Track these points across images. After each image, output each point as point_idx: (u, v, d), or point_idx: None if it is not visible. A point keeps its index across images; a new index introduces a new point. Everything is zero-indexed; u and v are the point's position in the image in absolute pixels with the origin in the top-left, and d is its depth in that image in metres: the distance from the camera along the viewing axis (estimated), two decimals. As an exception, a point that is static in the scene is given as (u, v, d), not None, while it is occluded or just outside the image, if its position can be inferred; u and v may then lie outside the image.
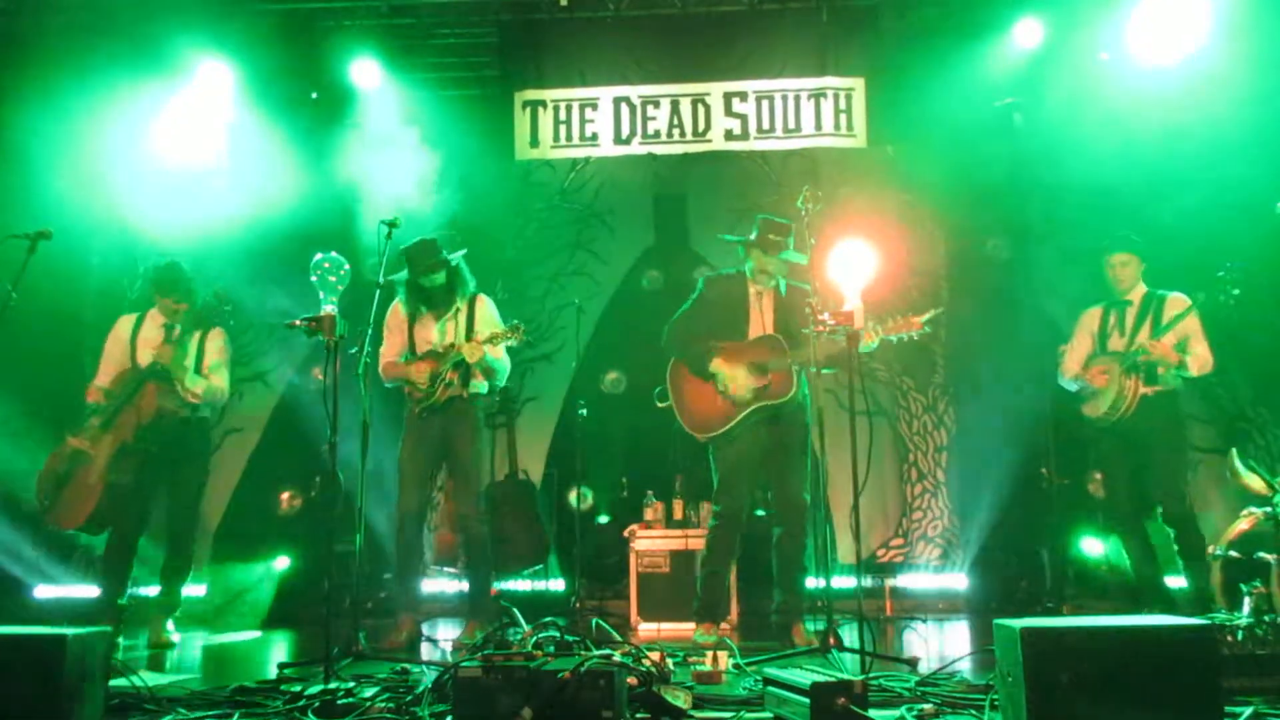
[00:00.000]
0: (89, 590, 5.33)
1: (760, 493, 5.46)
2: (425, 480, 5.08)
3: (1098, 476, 6.40)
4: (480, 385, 5.05)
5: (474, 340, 4.83)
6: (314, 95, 7.08)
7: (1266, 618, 3.46)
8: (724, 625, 5.12)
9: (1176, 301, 5.10)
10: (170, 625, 5.22)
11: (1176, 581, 5.18)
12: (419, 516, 5.08)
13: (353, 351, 4.43)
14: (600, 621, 4.37)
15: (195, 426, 5.28)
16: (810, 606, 4.84)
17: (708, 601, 4.94)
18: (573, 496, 6.54)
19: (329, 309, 4.10)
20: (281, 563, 6.47)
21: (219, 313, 5.36)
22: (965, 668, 3.84)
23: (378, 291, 4.52)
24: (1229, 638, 3.32)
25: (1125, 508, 5.20)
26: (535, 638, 3.28)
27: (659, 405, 4.98)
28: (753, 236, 4.85)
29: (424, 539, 5.30)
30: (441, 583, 6.60)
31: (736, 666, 3.83)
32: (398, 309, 5.10)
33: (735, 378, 4.74)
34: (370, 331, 4.44)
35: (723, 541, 4.91)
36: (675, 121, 7.10)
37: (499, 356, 4.99)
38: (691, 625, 4.98)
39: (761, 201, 6.99)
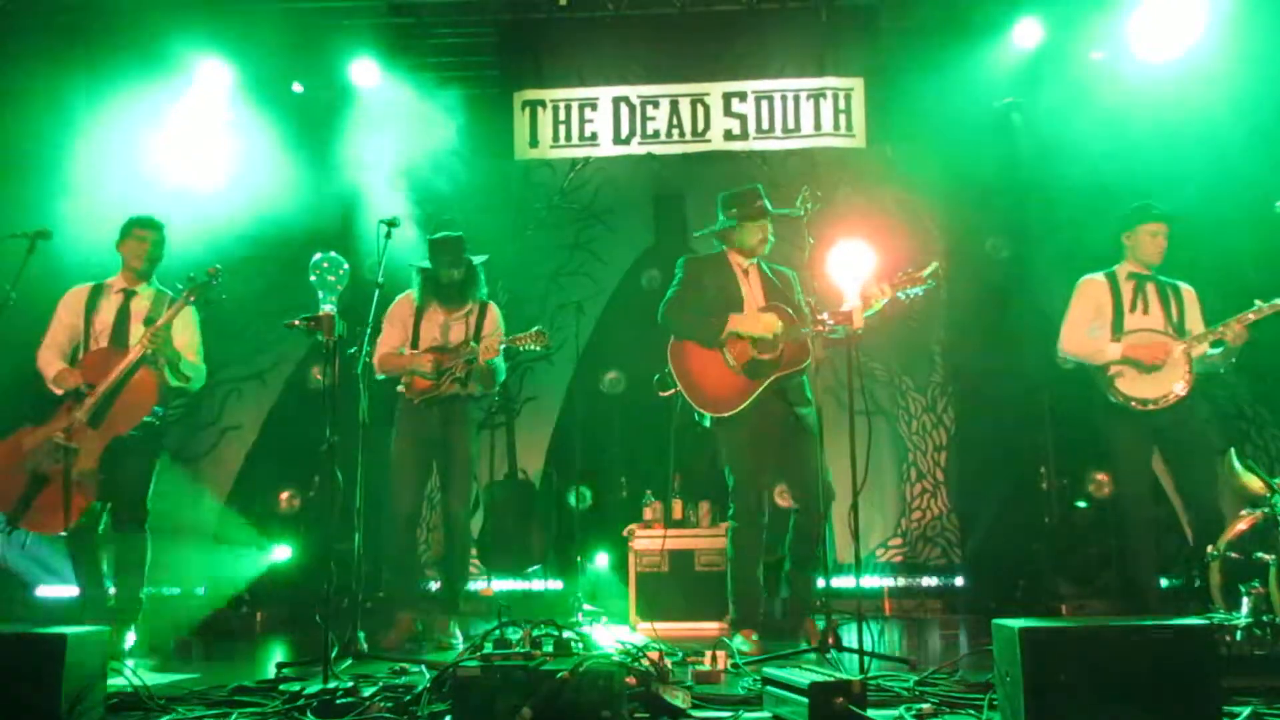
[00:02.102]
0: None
1: (774, 481, 5.13)
2: (420, 478, 5.09)
3: (1100, 476, 6.40)
4: (478, 387, 5.06)
5: (491, 341, 4.88)
6: (299, 88, 7.06)
7: (1265, 618, 3.46)
8: (723, 624, 5.12)
9: (1192, 294, 4.95)
10: (131, 636, 4.76)
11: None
12: (414, 515, 5.09)
13: (351, 351, 4.43)
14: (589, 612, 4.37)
15: (159, 418, 4.91)
16: (814, 605, 4.68)
17: (743, 608, 4.66)
18: (571, 496, 6.54)
19: (328, 308, 4.10)
20: (281, 553, 6.48)
21: (203, 291, 4.80)
22: (964, 668, 3.85)
23: (377, 291, 4.52)
24: (1227, 638, 3.33)
25: (1146, 500, 4.89)
26: (533, 636, 3.27)
27: (661, 394, 4.77)
28: (734, 212, 4.70)
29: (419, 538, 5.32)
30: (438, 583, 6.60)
31: (735, 666, 3.83)
32: (406, 300, 5.12)
33: (760, 320, 4.55)
34: (369, 331, 4.45)
35: (746, 539, 4.63)
36: (674, 121, 7.11)
37: (499, 360, 5.03)
38: (695, 624, 4.99)
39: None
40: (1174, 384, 4.73)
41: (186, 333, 4.91)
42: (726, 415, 4.55)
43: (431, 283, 5.05)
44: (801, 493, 4.58)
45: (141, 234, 4.88)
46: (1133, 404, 4.76)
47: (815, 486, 4.46)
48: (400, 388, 5.04)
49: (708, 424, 4.68)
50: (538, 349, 4.92)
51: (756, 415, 4.55)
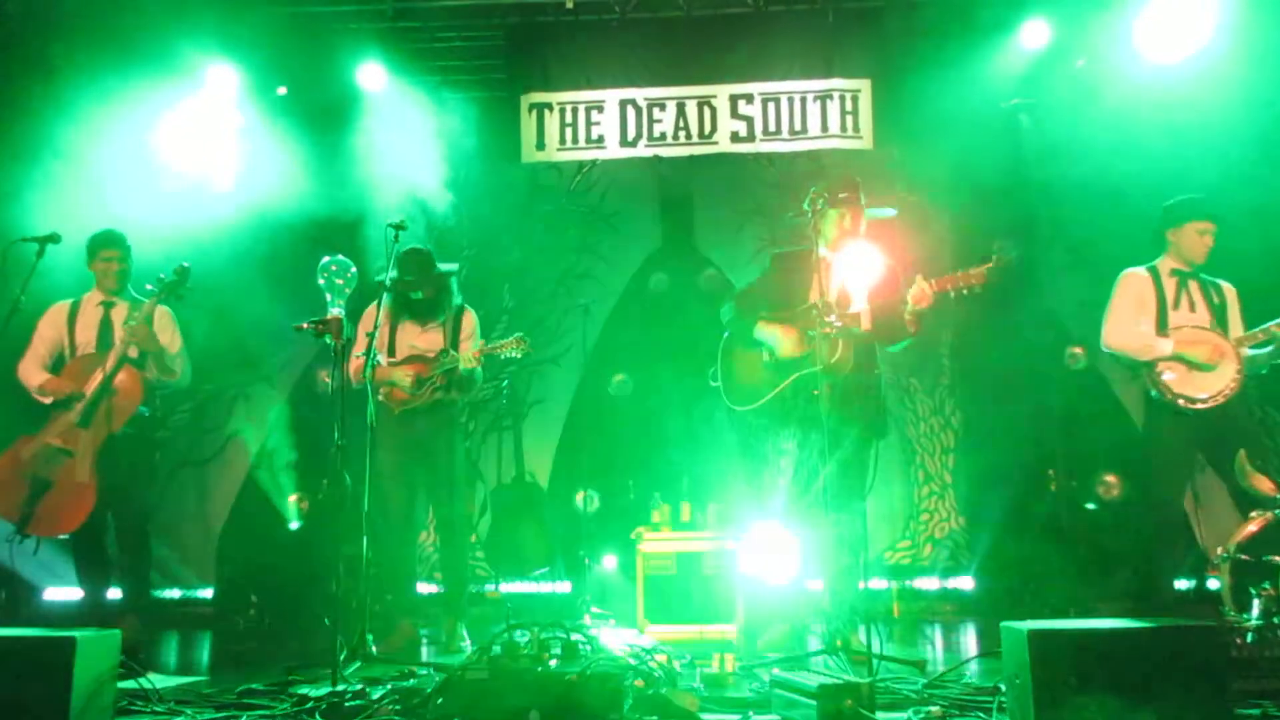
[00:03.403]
0: (110, 592, 5.18)
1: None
2: (409, 486, 5.05)
3: (1109, 478, 6.37)
4: (460, 394, 5.06)
5: (474, 350, 4.86)
6: (281, 90, 7.03)
7: (1276, 620, 3.44)
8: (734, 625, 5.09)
9: (1233, 293, 4.83)
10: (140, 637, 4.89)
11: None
12: (406, 522, 5.07)
13: (360, 354, 4.44)
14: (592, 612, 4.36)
15: (148, 417, 5.01)
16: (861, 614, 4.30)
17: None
18: (579, 499, 6.53)
19: (336, 312, 4.11)
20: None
21: (175, 289, 4.96)
22: (972, 670, 3.84)
23: (384, 294, 4.53)
24: (1238, 640, 3.31)
25: (1180, 503, 4.73)
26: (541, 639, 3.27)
27: (714, 384, 4.68)
28: (816, 195, 4.46)
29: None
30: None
31: (743, 669, 3.82)
32: (373, 310, 4.92)
33: (779, 338, 4.40)
34: (375, 334, 4.46)
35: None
36: (681, 124, 7.11)
37: (479, 368, 5.00)
38: (703, 627, 4.97)
39: (768, 203, 7.00)
40: (1225, 383, 4.60)
41: (167, 332, 5.04)
42: (746, 408, 4.48)
43: (401, 298, 4.98)
44: (835, 504, 4.20)
45: (107, 255, 5.05)
46: (1180, 401, 4.64)
47: (851, 498, 4.25)
48: (380, 397, 4.94)
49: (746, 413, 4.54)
50: (518, 355, 4.89)
51: (798, 414, 4.36)
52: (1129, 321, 4.84)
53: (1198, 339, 4.68)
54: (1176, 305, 4.79)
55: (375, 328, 4.57)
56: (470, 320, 5.15)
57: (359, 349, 4.90)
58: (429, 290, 5.00)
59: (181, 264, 5.00)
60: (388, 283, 4.68)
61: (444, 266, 5.09)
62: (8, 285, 4.54)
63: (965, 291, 4.25)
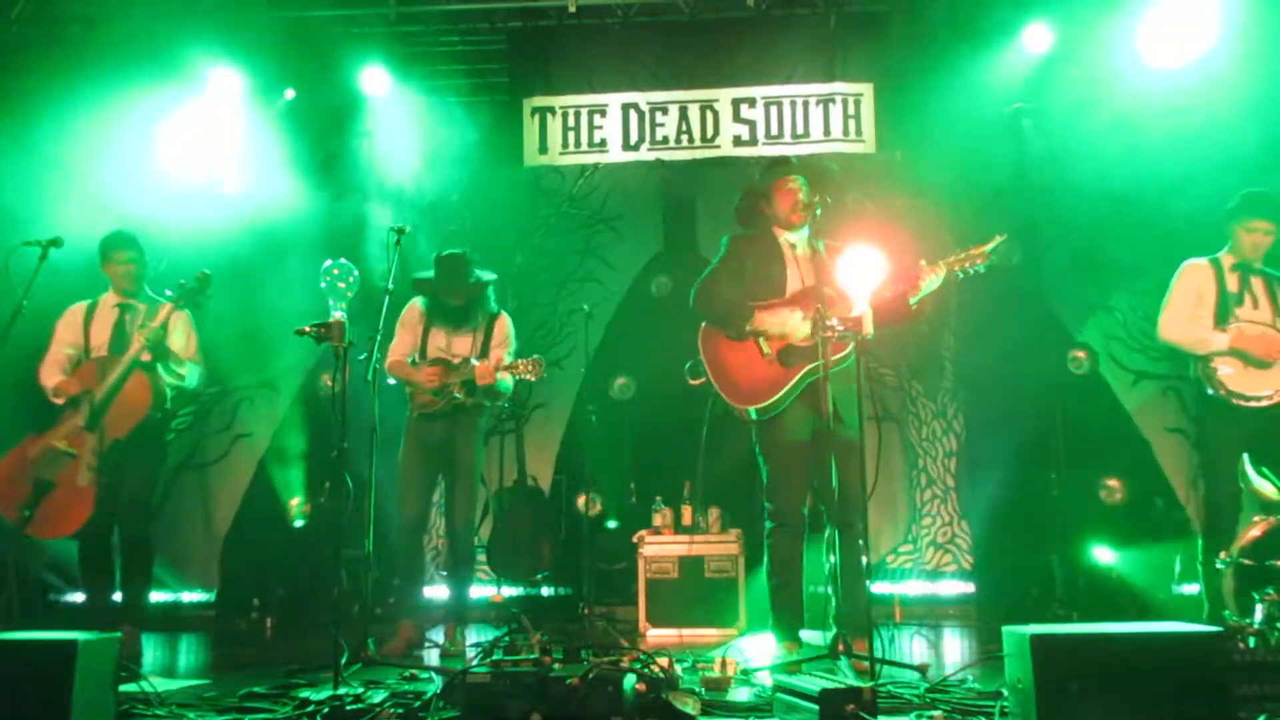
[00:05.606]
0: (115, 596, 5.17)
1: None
2: (425, 487, 5.07)
3: (1111, 483, 6.35)
4: (485, 399, 5.06)
5: (489, 364, 4.85)
6: (290, 93, 7.00)
7: (1278, 625, 3.44)
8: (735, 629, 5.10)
9: None
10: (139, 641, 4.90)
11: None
12: (419, 523, 5.09)
13: (362, 358, 4.44)
14: (607, 626, 4.36)
15: (159, 422, 4.99)
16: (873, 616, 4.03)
17: (783, 619, 4.31)
18: (581, 502, 6.53)
19: (338, 315, 4.12)
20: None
21: (193, 295, 4.96)
22: (975, 675, 3.83)
23: (387, 298, 4.54)
24: (1241, 645, 3.31)
25: (1238, 502, 4.40)
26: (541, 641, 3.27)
27: (691, 382, 4.51)
28: (761, 177, 4.52)
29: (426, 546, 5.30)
30: (444, 589, 6.60)
31: (744, 673, 3.82)
32: (415, 307, 5.10)
33: (787, 323, 4.23)
34: (379, 338, 4.46)
35: (784, 547, 4.27)
36: (684, 127, 7.11)
37: (506, 379, 4.99)
38: (704, 630, 4.96)
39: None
40: None
41: (183, 336, 5.03)
42: (760, 407, 4.21)
43: (434, 301, 5.03)
44: (835, 504, 4.11)
45: (121, 257, 4.98)
46: (1234, 399, 4.53)
47: (854, 496, 4.06)
48: (408, 395, 5.05)
49: (754, 415, 4.28)
50: (532, 379, 4.88)
51: (790, 414, 4.24)
52: (1185, 314, 4.71)
53: (1258, 334, 4.53)
54: (1240, 300, 4.65)
55: (379, 330, 4.58)
56: (503, 327, 5.14)
57: (395, 344, 5.01)
58: (460, 298, 5.01)
59: (203, 270, 4.98)
60: (426, 285, 4.65)
61: (483, 275, 5.10)
62: (11, 289, 4.55)
63: (970, 271, 4.24)
